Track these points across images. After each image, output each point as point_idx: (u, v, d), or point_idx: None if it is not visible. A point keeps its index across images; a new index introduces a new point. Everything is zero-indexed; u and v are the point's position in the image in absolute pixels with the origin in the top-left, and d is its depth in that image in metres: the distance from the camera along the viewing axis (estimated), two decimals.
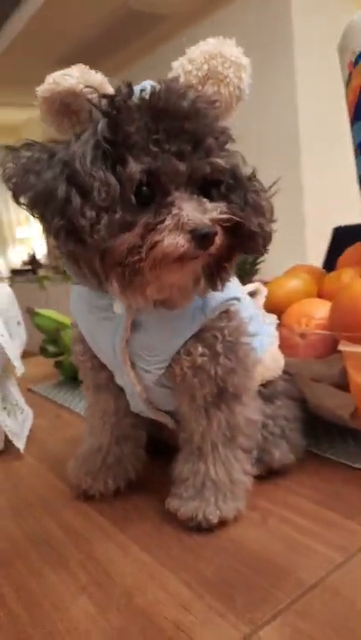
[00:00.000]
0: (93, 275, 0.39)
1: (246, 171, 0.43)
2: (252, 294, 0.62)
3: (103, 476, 0.55)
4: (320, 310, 0.61)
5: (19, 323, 0.79)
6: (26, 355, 0.98)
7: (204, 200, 0.39)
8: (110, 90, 0.41)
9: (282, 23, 2.64)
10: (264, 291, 0.63)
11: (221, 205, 0.40)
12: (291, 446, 0.56)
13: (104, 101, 0.37)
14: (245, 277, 0.84)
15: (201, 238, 0.37)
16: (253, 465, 0.54)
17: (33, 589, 0.43)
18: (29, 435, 0.75)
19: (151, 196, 0.38)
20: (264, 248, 0.43)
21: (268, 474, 0.56)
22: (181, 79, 0.43)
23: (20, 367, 0.69)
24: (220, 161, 0.40)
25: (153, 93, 0.38)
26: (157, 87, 0.38)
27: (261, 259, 0.87)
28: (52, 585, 0.43)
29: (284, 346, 0.60)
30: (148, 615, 0.39)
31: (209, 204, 0.39)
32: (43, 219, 0.36)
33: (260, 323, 0.58)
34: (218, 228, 0.39)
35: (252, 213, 0.41)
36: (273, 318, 0.61)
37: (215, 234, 0.38)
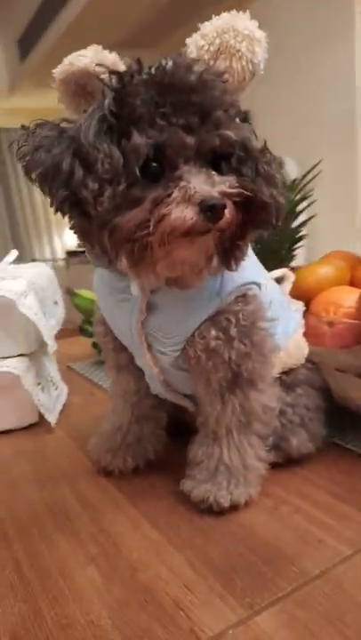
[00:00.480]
0: (104, 252, 0.39)
1: (257, 143, 0.42)
2: (280, 280, 0.61)
3: (123, 454, 0.56)
4: (349, 298, 0.59)
5: (55, 302, 0.82)
6: (68, 333, 1.02)
7: (213, 173, 0.39)
8: (122, 66, 0.41)
9: None
10: (291, 277, 0.62)
11: (230, 179, 0.39)
12: (310, 435, 0.55)
13: (113, 78, 0.38)
14: (281, 263, 0.83)
15: (209, 210, 0.36)
16: (271, 452, 0.54)
17: (45, 556, 0.45)
18: (62, 410, 0.78)
19: (160, 172, 0.38)
20: (277, 220, 0.42)
21: (286, 462, 0.55)
22: (194, 54, 0.42)
23: (52, 345, 0.72)
24: (230, 133, 0.39)
25: (159, 67, 0.38)
26: (164, 61, 0.38)
27: (300, 244, 0.84)
28: (63, 553, 0.45)
29: (311, 334, 0.59)
30: (151, 591, 0.40)
31: (218, 177, 0.39)
32: (49, 192, 0.37)
33: (284, 309, 0.56)
34: (228, 202, 0.38)
35: (264, 184, 0.40)
36: (299, 305, 0.60)
37: (224, 206, 0.37)
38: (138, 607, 0.38)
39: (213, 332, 0.45)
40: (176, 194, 0.37)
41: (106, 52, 0.41)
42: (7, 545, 0.47)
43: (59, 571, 0.43)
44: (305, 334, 0.58)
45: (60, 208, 0.37)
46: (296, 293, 0.68)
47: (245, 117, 0.41)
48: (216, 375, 0.47)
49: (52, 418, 0.72)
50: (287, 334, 0.56)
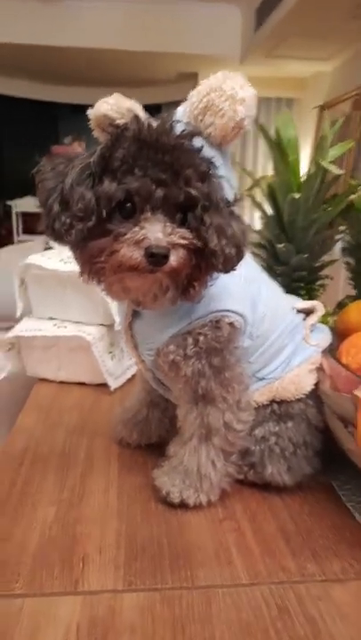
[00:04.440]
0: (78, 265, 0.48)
1: (227, 196, 0.45)
2: (307, 312, 0.61)
3: (130, 429, 0.66)
4: None
5: None
6: None
7: (171, 225, 0.44)
8: (138, 110, 0.47)
9: None
10: (320, 310, 0.60)
11: (183, 231, 0.44)
12: (289, 469, 0.56)
13: (111, 129, 0.45)
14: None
15: (152, 256, 0.42)
16: (248, 472, 0.57)
17: (33, 486, 0.58)
18: (131, 379, 0.90)
19: (133, 213, 0.44)
20: (223, 267, 0.45)
21: (264, 485, 0.58)
22: (188, 109, 0.46)
23: (118, 323, 0.83)
24: (193, 191, 0.43)
25: (141, 127, 0.43)
26: (148, 122, 0.44)
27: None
28: (46, 488, 0.58)
29: (329, 374, 0.58)
30: (76, 541, 0.49)
31: (170, 228, 0.43)
32: (43, 219, 0.47)
33: (293, 340, 0.57)
34: (178, 250, 0.43)
35: (216, 234, 0.44)
36: (322, 341, 0.59)
37: (165, 255, 0.42)
38: (58, 548, 0.48)
39: (173, 348, 0.51)
40: (129, 236, 0.43)
41: (125, 100, 0.48)
42: (16, 470, 0.61)
43: (32, 501, 0.55)
44: (322, 371, 0.58)
45: (45, 233, 0.47)
46: (339, 327, 0.66)
47: (211, 174, 0.45)
48: (177, 385, 0.52)
49: (113, 383, 0.84)
50: (288, 366, 0.57)
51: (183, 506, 0.54)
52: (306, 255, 0.76)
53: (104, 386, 0.86)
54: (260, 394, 0.57)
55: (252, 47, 4.66)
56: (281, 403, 0.57)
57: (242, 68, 5.15)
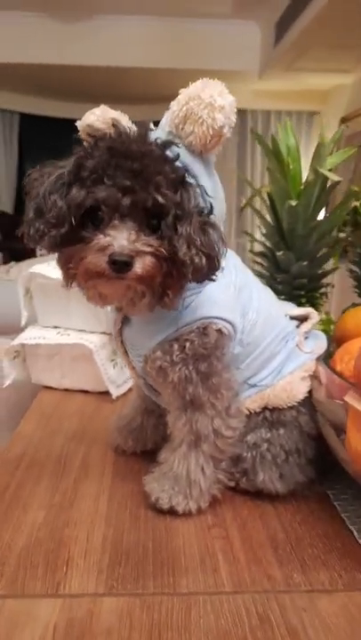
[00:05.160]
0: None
1: (200, 205, 0.46)
2: (301, 319, 0.60)
3: (126, 436, 0.66)
4: None
5: None
6: None
7: (137, 233, 0.44)
8: (123, 121, 0.48)
9: None
10: (315, 317, 0.60)
11: (149, 239, 0.44)
12: (281, 476, 0.56)
13: (89, 139, 0.46)
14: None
15: (115, 263, 0.43)
16: (240, 479, 0.57)
17: (26, 489, 0.58)
18: (132, 388, 0.90)
19: (102, 221, 0.45)
20: (193, 277, 0.45)
21: (256, 493, 0.57)
22: (169, 117, 0.47)
23: None
24: (160, 198, 0.43)
25: (115, 137, 0.45)
26: (123, 131, 0.45)
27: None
28: (38, 492, 0.58)
29: (324, 381, 0.57)
30: (63, 544, 0.50)
31: (136, 236, 0.44)
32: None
33: (285, 347, 0.57)
34: (145, 257, 0.44)
35: (185, 244, 0.44)
36: (317, 348, 0.58)
37: (128, 262, 0.43)
38: (44, 551, 0.49)
39: (159, 354, 0.51)
40: (94, 242, 0.44)
41: (111, 111, 0.49)
42: (11, 474, 0.62)
43: (23, 505, 0.56)
44: (316, 378, 0.57)
45: (22, 236, 0.48)
46: (337, 334, 0.65)
47: (186, 183, 0.45)
48: (166, 392, 0.52)
49: (115, 391, 0.85)
50: (280, 373, 0.56)
51: (172, 512, 0.54)
52: (305, 263, 0.75)
53: (107, 394, 0.87)
54: (251, 401, 0.56)
55: (271, 61, 4.69)
56: (273, 410, 0.56)
57: (261, 82, 5.19)
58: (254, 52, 4.94)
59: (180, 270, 0.45)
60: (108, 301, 0.49)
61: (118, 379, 0.87)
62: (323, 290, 0.82)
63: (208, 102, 0.45)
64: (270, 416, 0.56)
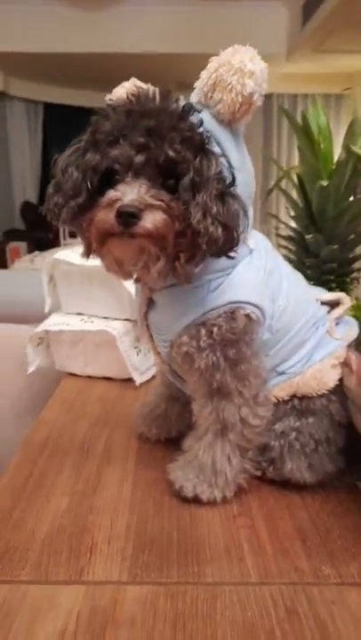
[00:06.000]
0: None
1: (222, 174, 0.44)
2: (332, 304, 0.58)
3: (150, 424, 0.65)
4: None
5: None
6: None
7: (147, 188, 0.43)
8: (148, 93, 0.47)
9: None
10: (347, 302, 0.57)
11: (159, 192, 0.43)
12: (310, 466, 0.54)
13: (108, 108, 0.45)
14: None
15: (121, 216, 0.41)
16: (268, 468, 0.55)
17: (50, 475, 0.58)
18: (155, 375, 0.89)
19: (118, 182, 0.44)
20: (208, 249, 0.43)
21: (283, 483, 0.55)
22: (198, 87, 0.45)
23: None
24: (171, 152, 0.42)
25: (131, 99, 0.44)
26: (141, 92, 0.44)
27: None
28: (62, 478, 0.58)
29: (355, 369, 0.55)
30: (87, 530, 0.49)
31: (145, 189, 0.42)
32: None
33: (314, 334, 0.55)
34: (154, 213, 0.42)
35: (200, 212, 0.42)
36: (347, 335, 0.56)
37: (134, 214, 0.41)
38: (67, 537, 0.48)
39: (186, 339, 0.49)
40: (104, 199, 0.43)
41: (141, 84, 0.48)
42: (35, 458, 0.62)
43: (46, 491, 0.55)
44: (346, 365, 0.55)
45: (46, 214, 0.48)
46: None
47: (206, 150, 0.43)
48: (191, 378, 0.51)
49: (139, 378, 0.84)
50: (310, 360, 0.54)
51: (196, 501, 0.53)
52: (336, 246, 0.73)
53: (130, 380, 0.86)
54: (280, 389, 0.54)
55: (298, 44, 4.58)
56: (302, 398, 0.54)
57: (288, 65, 5.07)
58: (281, 35, 4.83)
59: (193, 237, 0.43)
60: (123, 267, 0.47)
61: (142, 366, 0.86)
62: (354, 275, 0.79)
63: (238, 68, 0.43)
64: (299, 404, 0.54)
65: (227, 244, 0.44)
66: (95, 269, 0.82)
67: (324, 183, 0.67)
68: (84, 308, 0.88)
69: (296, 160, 4.57)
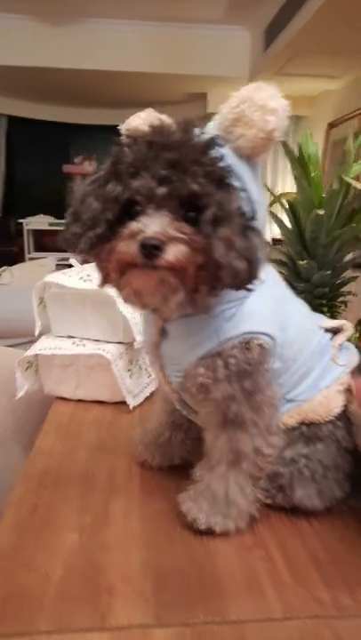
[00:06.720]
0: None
1: (243, 209, 0.45)
2: (335, 331, 0.59)
3: (152, 451, 0.64)
4: None
5: None
6: None
7: (170, 220, 0.43)
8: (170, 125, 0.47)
9: None
10: (349, 329, 0.59)
11: (183, 225, 0.43)
12: (319, 492, 0.54)
13: (128, 140, 0.46)
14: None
15: (144, 248, 0.42)
16: (276, 495, 0.55)
17: (55, 510, 0.56)
18: (150, 398, 0.88)
19: (139, 213, 0.44)
20: (232, 282, 0.44)
21: (291, 510, 0.56)
22: (219, 120, 0.46)
23: (139, 341, 0.82)
24: (195, 186, 0.42)
25: (154, 131, 0.44)
26: (163, 124, 0.45)
27: None
28: (67, 514, 0.56)
29: (358, 394, 0.56)
30: (101, 571, 0.47)
31: (168, 221, 0.43)
32: None
33: (320, 361, 0.56)
34: (177, 245, 0.42)
35: (223, 245, 0.42)
36: (350, 361, 0.57)
37: (157, 247, 0.41)
38: (83, 578, 0.47)
39: (202, 370, 0.49)
40: (125, 231, 0.43)
41: (156, 114, 0.48)
42: (38, 493, 0.60)
43: (53, 527, 0.54)
44: (350, 391, 0.56)
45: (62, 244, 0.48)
46: None
47: (228, 184, 0.44)
48: (205, 409, 0.51)
49: (131, 400, 0.83)
50: (317, 387, 0.55)
51: (209, 533, 0.52)
52: (328, 272, 0.75)
53: (122, 404, 0.84)
54: (288, 416, 0.55)
55: (260, 67, 4.72)
56: (310, 425, 0.55)
57: None
58: (244, 58, 4.97)
59: (216, 270, 0.43)
60: (143, 299, 0.47)
61: (135, 389, 0.85)
62: (342, 299, 0.81)
63: (261, 105, 0.43)
64: (307, 431, 0.55)
65: (248, 277, 0.44)
66: (88, 293, 0.81)
67: (321, 212, 0.69)
68: (75, 331, 0.87)
69: (280, 184, 4.67)
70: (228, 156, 0.45)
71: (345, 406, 0.56)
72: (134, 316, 0.80)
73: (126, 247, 0.43)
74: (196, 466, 0.57)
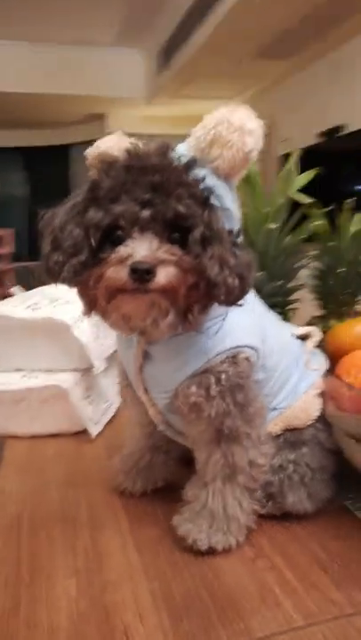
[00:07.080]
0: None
1: (230, 227, 0.46)
2: (304, 337, 0.62)
3: (133, 477, 0.62)
4: None
5: None
6: None
7: (159, 242, 0.43)
8: (146, 149, 0.47)
9: None
10: (317, 335, 0.62)
11: (172, 247, 0.43)
12: (309, 495, 0.56)
13: (102, 164, 0.45)
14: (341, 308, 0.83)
15: (135, 272, 0.41)
16: (268, 503, 0.56)
17: (41, 559, 0.52)
18: (110, 422, 0.86)
19: (123, 239, 0.44)
20: (226, 299, 0.45)
21: (282, 515, 0.56)
22: (193, 142, 0.47)
23: (98, 367, 0.79)
24: (181, 207, 0.43)
25: (131, 154, 0.44)
26: (139, 148, 0.45)
27: None
28: (57, 560, 0.52)
29: (331, 395, 0.59)
30: (110, 613, 0.45)
31: (157, 245, 0.43)
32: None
33: (297, 367, 0.58)
34: (167, 267, 0.42)
35: (216, 264, 0.43)
36: (321, 365, 0.60)
37: (149, 271, 0.41)
38: (94, 624, 0.44)
39: (194, 389, 0.49)
40: (114, 256, 0.42)
41: (126, 138, 0.48)
42: (17, 542, 0.55)
43: (47, 576, 0.49)
44: (325, 394, 0.59)
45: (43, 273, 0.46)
46: (329, 349, 0.68)
47: (212, 204, 0.45)
48: (198, 427, 0.50)
49: (94, 429, 0.80)
50: (296, 394, 0.57)
51: (210, 552, 0.51)
52: (281, 282, 0.78)
53: (81, 433, 0.81)
54: (273, 424, 0.56)
55: (157, 89, 4.86)
56: (293, 430, 0.57)
57: (149, 108, 5.33)
58: (139, 80, 5.08)
59: (211, 293, 0.44)
60: (132, 323, 0.46)
61: (95, 416, 0.82)
62: (291, 306, 0.85)
63: (238, 126, 0.45)
64: (291, 437, 0.56)
65: (241, 294, 0.45)
66: (39, 322, 0.77)
67: (273, 226, 0.72)
68: (24, 362, 0.82)
69: None
70: (207, 176, 0.46)
71: (322, 409, 0.58)
72: (90, 342, 0.78)
73: (115, 273, 0.42)
74: (185, 486, 0.56)
